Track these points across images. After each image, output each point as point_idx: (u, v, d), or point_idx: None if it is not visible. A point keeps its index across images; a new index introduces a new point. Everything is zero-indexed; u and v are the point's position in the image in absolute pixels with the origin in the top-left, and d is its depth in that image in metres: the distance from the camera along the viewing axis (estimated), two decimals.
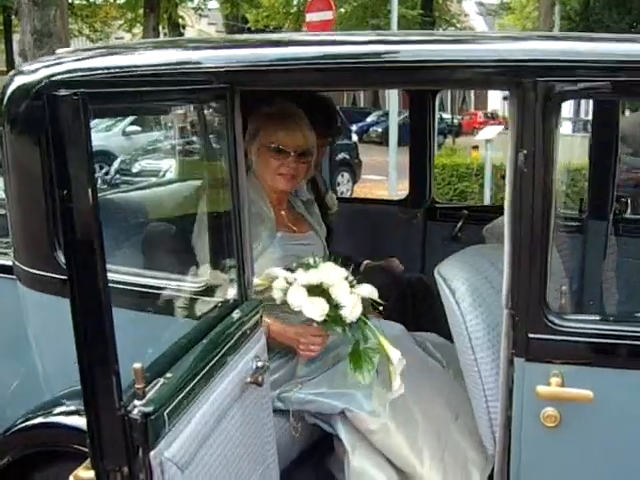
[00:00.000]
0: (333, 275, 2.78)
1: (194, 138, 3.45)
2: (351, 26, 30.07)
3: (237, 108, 2.49)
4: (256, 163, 3.16)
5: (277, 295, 2.79)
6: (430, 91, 4.49)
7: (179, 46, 2.82)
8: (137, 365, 1.76)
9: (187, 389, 1.96)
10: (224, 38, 3.47)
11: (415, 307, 3.95)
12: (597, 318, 2.40)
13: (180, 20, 31.31)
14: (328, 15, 14.24)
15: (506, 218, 2.32)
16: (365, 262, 4.00)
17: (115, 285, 2.71)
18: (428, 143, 4.56)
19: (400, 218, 4.54)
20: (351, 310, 2.73)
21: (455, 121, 33.73)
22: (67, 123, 1.53)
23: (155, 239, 3.21)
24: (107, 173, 13.32)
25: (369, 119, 32.66)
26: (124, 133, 17.65)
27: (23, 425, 2.78)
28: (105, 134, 16.53)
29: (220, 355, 2.22)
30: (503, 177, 2.36)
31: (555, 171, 2.23)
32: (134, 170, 13.97)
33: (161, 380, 1.89)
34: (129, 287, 2.68)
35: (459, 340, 2.62)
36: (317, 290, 2.74)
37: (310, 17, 14.64)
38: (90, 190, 1.57)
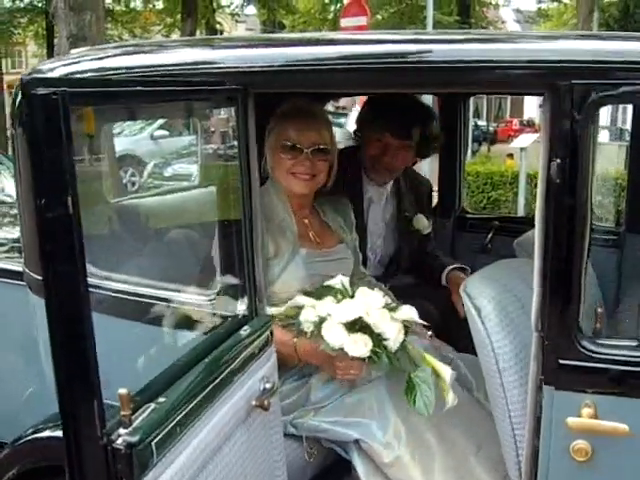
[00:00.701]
0: (372, 305, 2.58)
1: (212, 143, 3.29)
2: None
3: (251, 111, 2.34)
4: (270, 167, 2.98)
5: (308, 328, 2.59)
6: (461, 96, 4.31)
7: (193, 45, 2.67)
8: (122, 390, 1.61)
9: (182, 414, 1.80)
10: (239, 37, 3.30)
11: (449, 324, 3.75)
12: (634, 344, 2.19)
13: (217, 26, 31.40)
14: (362, 21, 14.13)
15: (537, 233, 2.13)
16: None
17: (114, 294, 2.71)
18: (459, 151, 4.39)
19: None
20: (395, 339, 2.56)
21: (490, 128, 33.42)
22: (44, 124, 1.37)
23: (164, 248, 3.06)
24: (134, 176, 13.29)
25: None
26: (152, 137, 17.59)
27: (31, 437, 2.67)
28: (133, 138, 16.45)
29: (223, 376, 2.06)
30: (537, 186, 2.17)
31: (591, 183, 2.05)
32: (166, 174, 13.95)
33: (152, 405, 1.73)
34: (129, 296, 2.54)
35: (485, 362, 2.44)
36: (357, 325, 2.54)
37: (345, 22, 14.55)
38: (69, 199, 1.41)
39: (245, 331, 2.29)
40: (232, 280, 2.44)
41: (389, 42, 2.35)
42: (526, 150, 13.72)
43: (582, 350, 2.12)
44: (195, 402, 1.88)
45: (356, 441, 2.66)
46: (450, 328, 3.45)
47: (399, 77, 2.25)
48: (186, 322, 2.51)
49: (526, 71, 2.07)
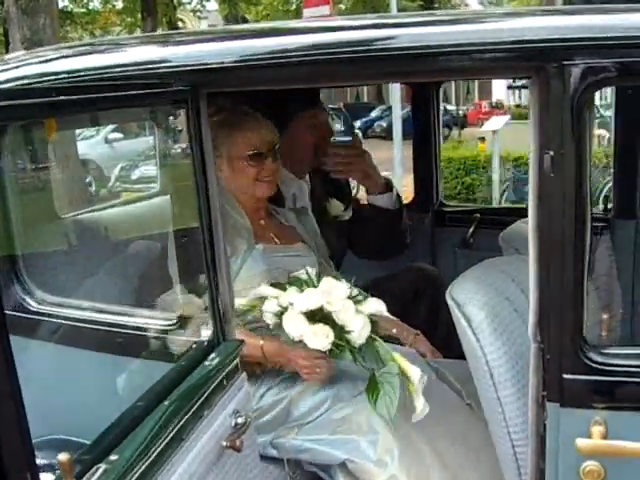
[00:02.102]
0: (335, 296, 2.44)
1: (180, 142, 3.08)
2: None
3: (204, 113, 2.10)
4: (226, 178, 2.84)
5: (270, 320, 2.47)
6: (433, 83, 4.09)
7: (136, 44, 2.40)
8: (62, 456, 1.35)
9: (140, 472, 1.56)
10: (188, 31, 3.05)
11: (437, 328, 3.54)
12: None
13: (180, 23, 31.12)
14: (325, 10, 13.87)
15: (530, 233, 1.90)
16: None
17: (60, 320, 2.50)
18: (433, 140, 4.19)
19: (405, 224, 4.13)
20: (359, 333, 2.42)
21: (460, 112, 33.39)
22: None
23: (120, 266, 2.83)
24: (90, 184, 13.06)
25: (373, 114, 32.56)
26: (106, 141, 17.29)
27: None
28: (87, 142, 16.10)
29: (188, 417, 1.82)
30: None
31: (588, 175, 1.82)
32: (133, 177, 13.76)
33: (102, 466, 1.48)
34: (77, 323, 2.32)
35: (478, 375, 2.22)
36: (318, 315, 2.41)
37: (307, 12, 14.31)
38: None
39: (212, 360, 2.06)
40: (194, 301, 2.21)
41: (352, 28, 2.10)
42: (498, 133, 13.67)
43: (588, 362, 1.90)
44: (155, 454, 1.64)
45: (342, 463, 2.48)
46: (436, 328, 3.28)
47: (364, 68, 2.01)
48: (144, 353, 2.27)
49: (509, 54, 1.83)
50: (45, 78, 2.09)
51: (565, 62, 1.74)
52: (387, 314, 2.56)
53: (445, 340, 3.06)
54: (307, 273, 2.56)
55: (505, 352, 2.16)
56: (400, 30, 1.98)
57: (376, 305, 2.53)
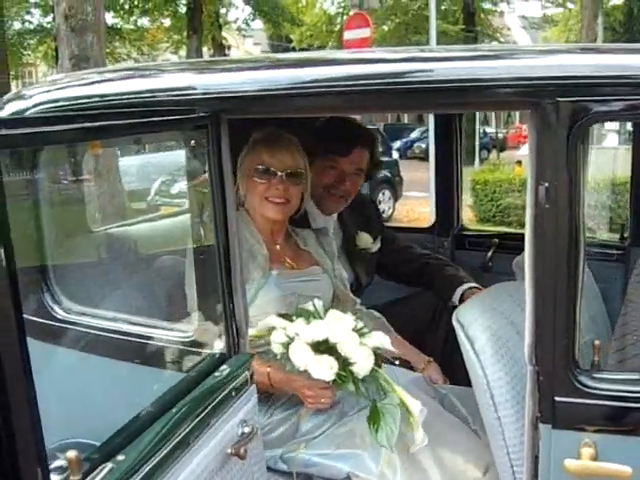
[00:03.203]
0: (340, 328, 2.51)
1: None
2: (393, 44, 29.80)
3: (224, 138, 2.21)
4: (244, 194, 2.93)
5: (277, 350, 2.54)
6: None
7: (161, 71, 2.52)
8: (71, 453, 1.47)
9: (144, 473, 1.66)
10: (209, 60, 3.17)
11: (452, 354, 3.61)
12: (636, 377, 2.04)
13: (224, 41, 31.51)
14: (366, 32, 14.09)
15: (527, 260, 1.99)
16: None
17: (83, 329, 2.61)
18: (455, 164, 4.23)
19: (426, 247, 4.19)
20: (362, 365, 2.47)
21: (500, 135, 33.25)
22: None
23: (142, 280, 2.94)
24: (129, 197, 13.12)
25: (413, 135, 32.52)
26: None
27: None
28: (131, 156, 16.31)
29: (195, 423, 1.92)
30: None
31: (582, 207, 1.90)
32: (173, 192, 13.86)
33: (109, 465, 1.59)
34: (99, 332, 2.44)
35: (480, 396, 2.30)
36: (323, 346, 2.48)
37: (348, 35, 14.51)
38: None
39: (222, 371, 2.16)
40: (209, 315, 2.32)
41: (366, 62, 2.21)
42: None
43: (579, 386, 1.97)
44: (161, 457, 1.75)
45: (347, 476, 2.54)
46: (447, 356, 3.32)
47: (378, 100, 2.11)
48: (161, 363, 2.38)
49: (509, 89, 1.92)
50: (72, 103, 2.23)
51: (559, 99, 1.84)
52: (391, 348, 2.59)
53: (460, 366, 3.11)
54: (314, 305, 2.62)
55: (506, 373, 2.23)
56: (406, 65, 2.10)
57: (380, 339, 2.57)
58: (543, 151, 1.88)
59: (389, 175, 17.09)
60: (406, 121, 39.02)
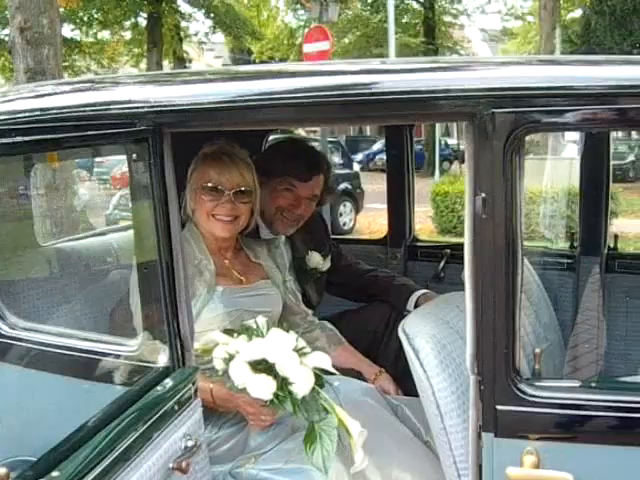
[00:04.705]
0: (279, 347, 2.48)
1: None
2: (354, 56, 29.98)
3: (167, 151, 2.20)
4: (191, 209, 2.90)
5: (219, 365, 2.51)
6: None
7: (105, 84, 2.51)
8: (1, 471, 1.45)
9: None
10: (153, 74, 3.14)
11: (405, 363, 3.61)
12: (577, 385, 2.06)
13: (185, 54, 31.42)
14: (325, 45, 14.13)
15: (466, 271, 2.00)
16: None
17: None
18: (407, 176, 4.26)
19: (379, 258, 4.22)
20: (301, 385, 2.44)
21: (462, 146, 33.54)
22: None
23: (84, 296, 2.92)
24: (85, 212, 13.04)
25: (375, 147, 32.71)
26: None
27: None
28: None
29: (135, 438, 1.90)
30: None
31: (520, 217, 1.92)
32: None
33: None
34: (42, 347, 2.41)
35: (426, 406, 2.31)
36: (262, 365, 2.45)
37: (307, 48, 14.54)
38: None
39: (165, 385, 2.14)
40: (154, 330, 2.30)
41: (306, 75, 2.21)
42: None
43: (520, 394, 1.98)
44: (98, 472, 1.73)
45: None
46: (401, 366, 3.33)
47: (317, 113, 2.12)
48: (105, 378, 2.36)
49: (446, 101, 1.94)
50: (12, 117, 2.21)
51: (495, 110, 1.86)
52: (331, 369, 2.55)
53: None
54: (256, 322, 2.59)
55: (451, 383, 2.24)
56: (346, 78, 2.10)
57: (320, 359, 2.54)
58: (480, 162, 1.90)
59: (350, 187, 17.17)
60: (368, 133, 39.27)
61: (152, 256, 2.22)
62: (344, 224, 16.87)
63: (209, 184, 2.83)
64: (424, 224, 15.21)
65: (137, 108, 2.16)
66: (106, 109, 2.18)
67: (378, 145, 32.53)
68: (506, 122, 1.86)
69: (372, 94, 2.00)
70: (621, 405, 1.98)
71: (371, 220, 17.22)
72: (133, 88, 2.30)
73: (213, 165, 2.83)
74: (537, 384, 2.02)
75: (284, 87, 2.13)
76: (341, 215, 16.78)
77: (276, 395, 2.42)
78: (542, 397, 1.98)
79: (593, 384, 2.24)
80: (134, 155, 2.18)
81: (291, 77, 2.24)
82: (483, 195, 1.89)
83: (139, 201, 2.28)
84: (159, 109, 2.16)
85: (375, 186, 19.10)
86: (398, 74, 2.08)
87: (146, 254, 2.30)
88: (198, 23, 39.55)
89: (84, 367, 2.46)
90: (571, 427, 2.02)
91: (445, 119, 2.27)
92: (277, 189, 3.43)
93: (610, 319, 3.67)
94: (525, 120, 1.86)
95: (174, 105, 2.17)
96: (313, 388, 2.47)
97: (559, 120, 1.89)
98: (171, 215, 2.22)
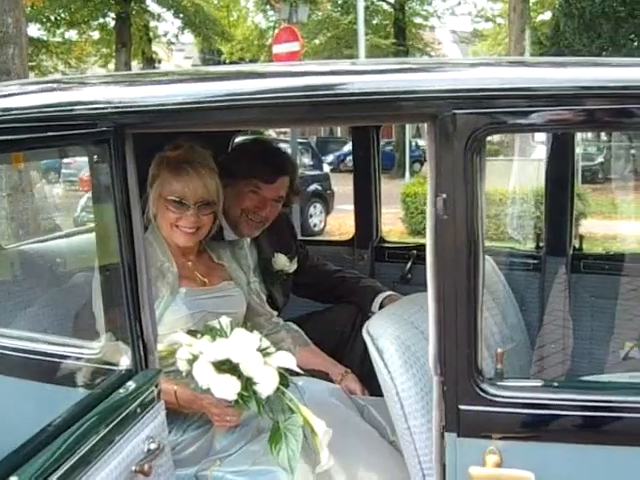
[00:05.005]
0: (243, 347, 2.46)
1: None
2: (324, 57, 30.03)
3: (129, 153, 2.18)
4: (153, 215, 2.87)
5: (182, 366, 2.49)
6: None
7: (69, 85, 2.48)
8: None
9: None
10: (115, 74, 3.11)
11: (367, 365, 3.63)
12: (539, 385, 2.08)
13: (154, 55, 31.25)
14: (295, 46, 14.12)
15: (428, 272, 2.01)
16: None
17: None
18: (373, 178, 4.26)
19: (346, 260, 4.22)
20: (266, 385, 2.44)
21: None
22: None
23: (46, 299, 2.89)
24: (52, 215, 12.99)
25: (345, 148, 32.69)
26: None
27: None
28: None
29: (96, 442, 1.88)
30: None
31: (481, 218, 1.93)
32: None
33: None
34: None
35: (391, 406, 2.32)
36: (226, 365, 2.44)
37: (277, 49, 14.53)
38: None
39: (128, 388, 2.12)
40: (116, 332, 2.29)
41: (267, 76, 2.20)
42: None
43: (482, 394, 1.99)
44: (59, 475, 1.71)
45: None
46: (367, 367, 3.33)
47: (280, 114, 2.12)
48: (67, 381, 2.34)
49: (408, 103, 1.94)
50: None
51: (456, 111, 1.87)
52: (296, 368, 2.55)
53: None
54: (220, 323, 2.58)
55: (415, 383, 2.26)
56: (309, 79, 2.11)
57: (284, 359, 2.54)
58: (441, 163, 1.91)
59: (320, 189, 17.19)
60: (339, 134, 39.31)
61: (114, 258, 2.19)
62: (314, 225, 16.88)
63: (173, 197, 2.80)
64: (395, 225, 15.27)
65: (98, 109, 2.14)
66: (68, 110, 2.15)
67: (349, 146, 32.44)
68: (467, 123, 1.87)
69: (335, 95, 2.01)
70: (582, 404, 2.01)
71: (342, 221, 17.24)
72: (95, 89, 2.28)
73: (176, 176, 2.79)
74: (499, 384, 2.03)
75: (247, 88, 2.13)
76: (311, 217, 16.80)
77: (240, 395, 2.41)
78: (504, 397, 2.00)
79: (555, 384, 2.26)
80: (95, 156, 2.17)
81: (256, 78, 2.23)
82: (444, 196, 1.90)
83: (101, 203, 2.26)
84: (120, 110, 2.14)
85: (346, 187, 19.04)
86: (361, 75, 2.09)
87: (108, 256, 2.28)
88: (167, 23, 39.31)
89: (46, 370, 2.43)
90: (533, 426, 2.03)
91: (407, 120, 2.29)
92: (242, 191, 3.41)
93: (576, 319, 3.70)
94: (486, 121, 1.88)
95: (136, 106, 2.15)
96: (278, 388, 2.47)
97: (519, 121, 1.91)
98: (133, 217, 2.20)
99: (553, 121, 1.94)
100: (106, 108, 2.14)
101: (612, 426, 2.01)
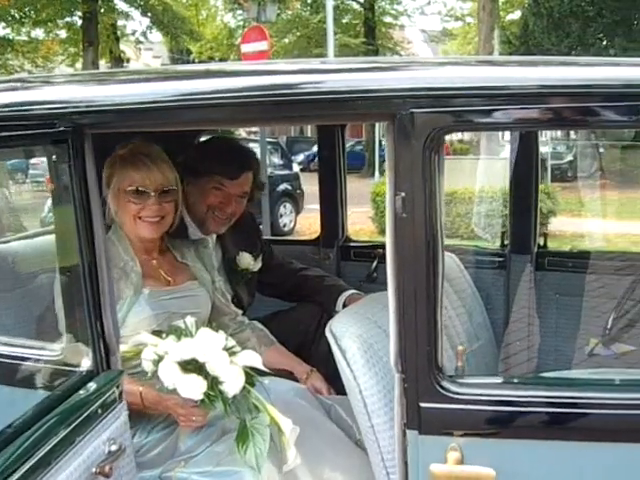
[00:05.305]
0: (209, 346, 2.46)
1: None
2: (294, 56, 30.00)
3: (88, 153, 2.16)
4: (115, 212, 2.85)
5: (148, 367, 2.48)
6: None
7: (29, 84, 2.45)
8: None
9: None
10: (78, 73, 3.10)
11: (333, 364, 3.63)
12: (499, 382, 2.10)
13: (122, 54, 31.00)
14: (263, 45, 14.06)
15: (388, 270, 2.02)
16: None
17: None
18: (339, 177, 4.27)
19: (311, 259, 4.23)
20: (232, 384, 2.43)
21: None
22: None
23: (7, 300, 2.86)
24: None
25: (316, 148, 32.63)
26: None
27: None
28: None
29: (56, 443, 1.88)
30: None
31: (440, 216, 1.94)
32: None
33: None
34: None
35: (354, 405, 2.33)
36: (192, 365, 2.43)
37: (245, 48, 14.46)
38: None
39: (89, 389, 2.11)
40: (78, 333, 2.27)
41: (225, 76, 2.21)
42: None
43: (442, 391, 2.01)
44: (17, 477, 1.70)
45: None
46: (333, 365, 3.34)
47: (237, 113, 2.12)
48: (26, 382, 2.32)
49: (367, 102, 1.95)
50: None
51: (414, 110, 1.88)
52: (262, 367, 2.54)
53: None
54: (185, 323, 2.57)
55: (377, 382, 2.27)
56: (272, 78, 2.11)
57: (250, 358, 2.53)
58: (400, 162, 1.92)
59: (290, 188, 17.17)
60: (309, 134, 39.29)
61: (75, 259, 2.18)
62: (284, 225, 16.86)
63: (133, 187, 2.79)
64: (365, 224, 15.29)
65: (56, 108, 2.13)
66: (27, 110, 2.14)
67: None
68: (425, 122, 1.88)
69: (294, 94, 2.01)
70: (542, 400, 2.03)
71: (312, 221, 17.23)
72: (55, 88, 2.27)
73: (134, 167, 2.79)
74: (460, 381, 2.05)
75: (206, 88, 2.12)
76: (281, 216, 16.78)
77: (207, 395, 2.41)
78: (465, 394, 2.02)
79: (515, 380, 2.28)
80: (54, 157, 2.15)
81: (213, 78, 2.23)
82: (403, 194, 1.91)
83: (60, 204, 2.24)
84: (79, 109, 2.12)
85: (315, 187, 18.83)
86: (321, 75, 2.09)
87: (69, 257, 2.26)
88: (135, 22, 39.04)
89: (7, 372, 2.41)
90: (493, 423, 2.05)
91: (367, 119, 2.30)
92: (206, 188, 3.41)
93: (541, 316, 3.74)
94: (443, 120, 1.89)
95: (95, 105, 2.14)
96: (244, 387, 2.46)
97: (477, 120, 1.93)
98: (94, 217, 2.19)
99: (511, 120, 1.96)
100: (65, 108, 2.12)
101: (573, 422, 2.04)
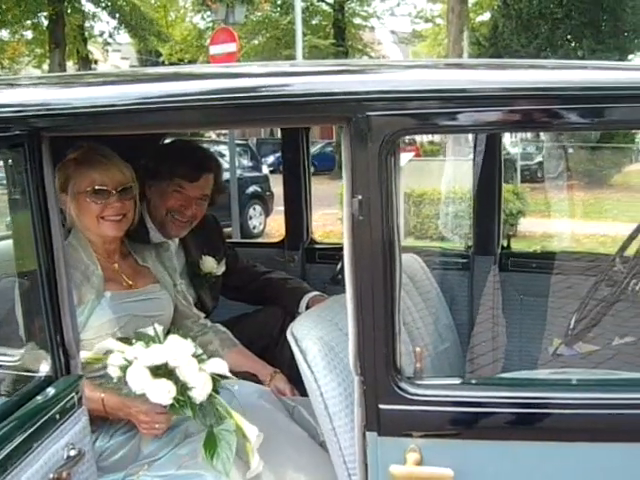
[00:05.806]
0: (179, 352, 2.46)
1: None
2: (263, 58, 29.97)
3: (46, 157, 2.15)
4: (76, 216, 2.82)
5: (114, 373, 2.46)
6: None
7: None
8: None
9: None
10: (38, 76, 3.07)
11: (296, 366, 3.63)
12: (457, 383, 2.11)
13: (89, 55, 30.75)
14: (232, 47, 14.04)
15: (346, 272, 2.03)
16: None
17: None
18: (303, 179, 4.28)
19: (276, 261, 4.23)
20: (200, 390, 2.44)
21: None
22: None
23: None
24: None
25: None
26: None
27: None
28: None
29: (12, 449, 1.87)
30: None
31: (396, 218, 1.95)
32: None
33: None
34: None
35: (316, 407, 2.33)
36: (162, 370, 2.43)
37: (214, 50, 14.43)
38: None
39: (47, 394, 2.10)
40: (37, 338, 2.25)
41: (184, 79, 2.21)
42: (402, 169, 13.83)
43: (401, 393, 2.02)
44: None
45: None
46: (296, 367, 3.34)
47: (193, 116, 2.11)
48: None
49: (324, 105, 1.96)
50: None
51: (369, 113, 1.89)
52: (229, 374, 2.55)
53: None
54: (155, 329, 2.56)
55: (339, 384, 2.27)
56: (229, 82, 2.12)
57: (217, 365, 2.53)
58: (356, 164, 1.93)
59: (260, 190, 17.13)
60: (279, 136, 39.23)
61: (33, 264, 2.17)
62: (254, 227, 16.82)
63: (94, 187, 2.77)
64: (335, 226, 15.30)
65: (11, 112, 2.11)
66: None
67: None
68: (380, 125, 1.89)
69: (251, 97, 2.02)
70: (500, 401, 2.05)
71: (281, 223, 17.17)
72: (12, 91, 2.25)
73: (92, 167, 2.78)
74: (418, 382, 2.06)
75: (163, 91, 2.12)
76: (251, 218, 16.73)
77: (177, 400, 2.41)
78: (423, 395, 2.03)
79: (473, 381, 2.30)
80: (10, 161, 2.13)
81: (172, 81, 2.23)
82: (359, 197, 1.92)
83: (17, 208, 2.22)
84: (35, 113, 2.11)
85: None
86: (278, 78, 2.10)
87: (27, 262, 2.24)
88: (103, 23, 38.71)
89: None
90: (452, 424, 2.06)
91: (323, 122, 2.31)
92: (166, 191, 3.40)
93: (506, 317, 3.76)
94: (399, 123, 1.91)
95: (51, 109, 2.12)
96: (210, 394, 2.47)
97: (433, 123, 1.95)
98: (52, 222, 2.17)
99: (467, 122, 1.98)
100: (20, 111, 2.11)
101: (531, 422, 2.06)
